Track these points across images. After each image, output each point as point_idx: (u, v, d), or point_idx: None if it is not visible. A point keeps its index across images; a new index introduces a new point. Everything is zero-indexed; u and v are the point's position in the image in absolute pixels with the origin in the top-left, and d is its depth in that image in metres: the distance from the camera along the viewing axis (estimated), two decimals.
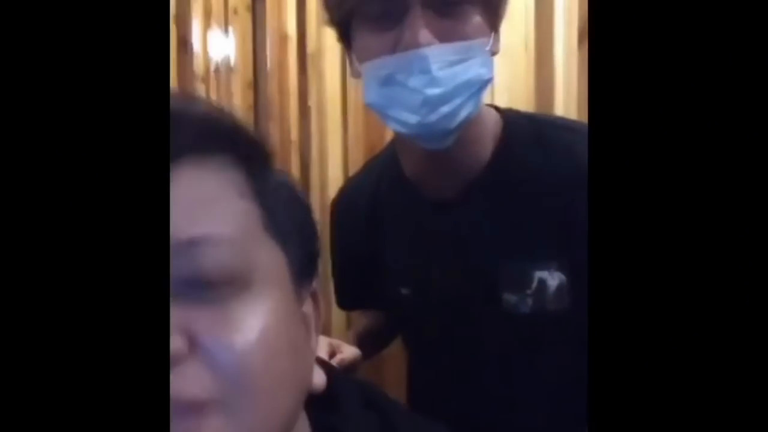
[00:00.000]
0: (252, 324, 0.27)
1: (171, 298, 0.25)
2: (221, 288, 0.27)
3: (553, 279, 0.58)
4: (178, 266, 0.26)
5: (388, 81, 0.52)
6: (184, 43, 1.24)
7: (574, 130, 0.60)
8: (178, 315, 0.25)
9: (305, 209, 0.34)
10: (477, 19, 0.52)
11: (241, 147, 0.30)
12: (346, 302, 0.78)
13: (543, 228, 0.58)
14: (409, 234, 0.65)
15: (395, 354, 0.90)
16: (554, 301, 0.58)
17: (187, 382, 0.25)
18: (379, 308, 0.74)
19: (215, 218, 0.28)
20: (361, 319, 0.76)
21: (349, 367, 0.57)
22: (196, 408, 0.25)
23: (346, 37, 0.57)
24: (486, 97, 0.58)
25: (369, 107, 0.56)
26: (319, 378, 0.33)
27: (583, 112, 0.90)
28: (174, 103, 0.29)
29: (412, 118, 0.52)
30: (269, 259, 0.29)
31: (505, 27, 0.93)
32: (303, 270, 0.32)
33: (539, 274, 0.58)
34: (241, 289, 0.27)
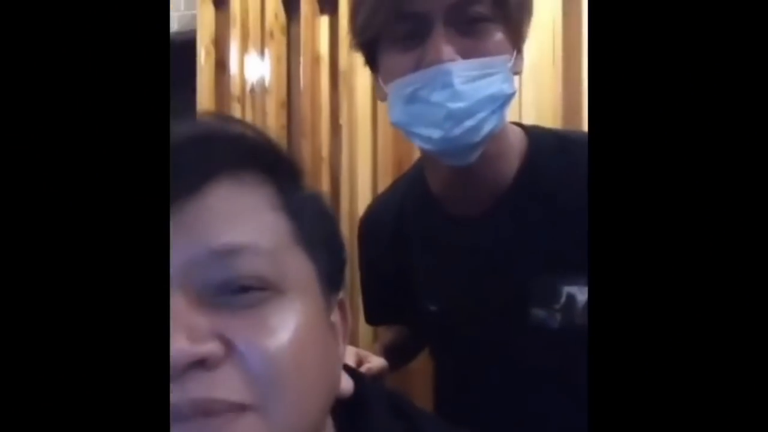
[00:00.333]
0: (285, 328, 0.28)
1: (207, 305, 0.27)
2: (255, 294, 0.28)
3: (582, 294, 0.57)
4: (214, 272, 0.27)
5: (412, 98, 0.53)
6: (222, 66, 1.29)
7: None
8: (214, 321, 0.27)
9: (332, 222, 0.36)
10: (499, 37, 0.53)
11: (274, 164, 0.32)
12: (374, 318, 0.78)
13: (571, 243, 0.56)
14: (435, 251, 0.65)
15: (422, 366, 0.90)
16: (584, 316, 0.57)
17: (224, 385, 0.26)
18: (407, 324, 0.75)
19: (250, 229, 0.29)
20: (388, 333, 0.77)
21: (376, 377, 0.57)
22: (233, 410, 0.26)
23: (372, 60, 0.58)
24: (513, 112, 0.58)
25: (394, 126, 0.57)
26: (346, 383, 0.34)
27: None
28: (212, 123, 0.32)
29: (436, 133, 0.52)
30: (299, 268, 0.31)
31: (533, 42, 0.95)
32: (331, 280, 0.33)
33: (568, 289, 0.57)
34: (274, 295, 0.28)
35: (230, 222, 0.29)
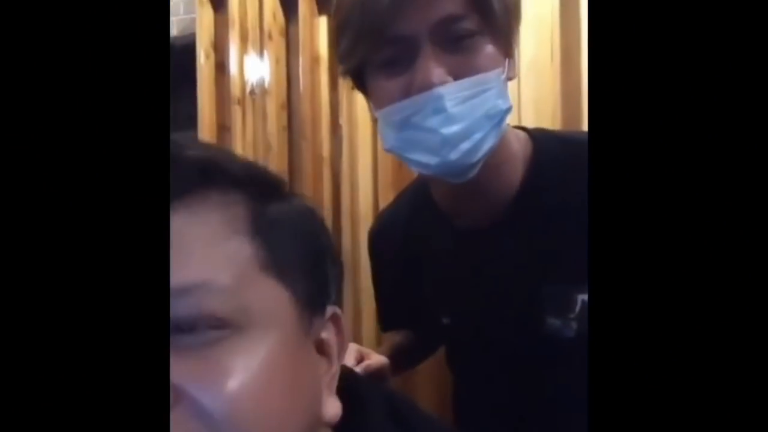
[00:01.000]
0: (241, 368, 0.27)
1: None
2: (210, 333, 0.27)
3: None
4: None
5: (404, 125, 0.51)
6: (222, 68, 1.30)
7: None
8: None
9: (320, 237, 0.34)
10: (489, 49, 0.51)
11: (241, 184, 0.30)
12: (388, 328, 0.78)
13: (583, 249, 0.55)
14: (445, 264, 0.64)
15: (428, 367, 0.90)
16: None
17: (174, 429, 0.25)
18: (421, 336, 0.74)
19: (205, 264, 0.27)
20: (395, 336, 0.76)
21: (376, 375, 0.57)
22: None
23: (362, 86, 0.56)
24: (512, 110, 0.57)
25: (389, 153, 0.55)
26: (332, 408, 0.32)
27: None
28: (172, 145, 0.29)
29: (433, 160, 0.51)
30: (266, 298, 0.29)
31: (531, 39, 0.94)
32: (314, 300, 0.32)
33: (582, 296, 0.56)
34: (232, 333, 0.27)
35: (182, 259, 0.27)
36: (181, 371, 0.26)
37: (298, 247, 0.32)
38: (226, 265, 0.28)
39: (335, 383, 0.33)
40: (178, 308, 0.26)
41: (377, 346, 0.95)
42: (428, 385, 1.01)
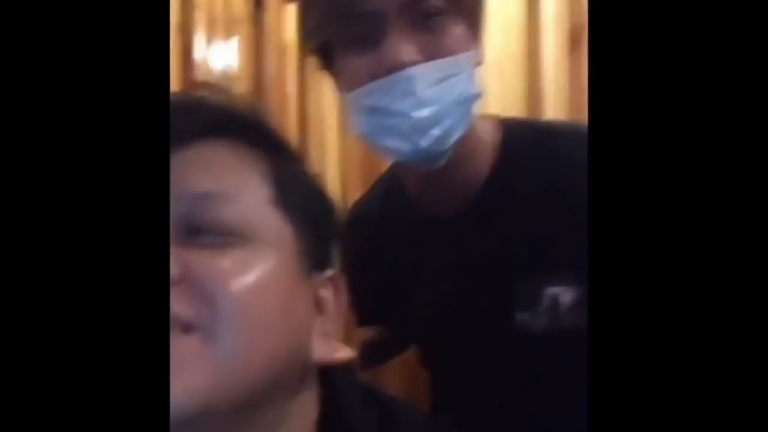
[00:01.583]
0: (245, 267, 0.30)
1: (176, 242, 0.29)
2: (222, 237, 0.31)
3: (566, 295, 0.55)
4: (186, 214, 0.31)
5: (373, 109, 0.50)
6: (187, 52, 1.27)
7: (578, 134, 0.56)
8: (179, 252, 0.29)
9: (325, 202, 0.38)
10: (459, 30, 0.50)
11: (263, 137, 0.35)
12: (362, 322, 0.76)
13: (552, 241, 0.55)
14: (413, 255, 0.64)
15: (396, 361, 0.92)
16: (569, 319, 0.55)
17: (175, 302, 0.28)
18: (391, 329, 0.74)
19: (226, 181, 0.32)
20: (366, 331, 0.75)
21: (343, 369, 0.58)
22: (180, 325, 0.28)
23: (329, 65, 0.55)
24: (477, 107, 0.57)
25: (359, 138, 0.55)
26: (322, 349, 0.34)
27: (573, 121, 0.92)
28: (211, 93, 0.36)
29: (404, 146, 0.50)
30: (273, 226, 0.33)
31: (496, 36, 0.96)
32: (315, 251, 0.35)
33: (551, 290, 0.56)
34: (241, 242, 0.31)
35: (209, 173, 0.32)
36: (190, 257, 0.29)
37: (306, 202, 0.35)
38: (242, 189, 0.33)
39: (333, 336, 0.35)
40: (197, 211, 0.31)
41: (344, 341, 0.95)
42: (397, 380, 1.03)
